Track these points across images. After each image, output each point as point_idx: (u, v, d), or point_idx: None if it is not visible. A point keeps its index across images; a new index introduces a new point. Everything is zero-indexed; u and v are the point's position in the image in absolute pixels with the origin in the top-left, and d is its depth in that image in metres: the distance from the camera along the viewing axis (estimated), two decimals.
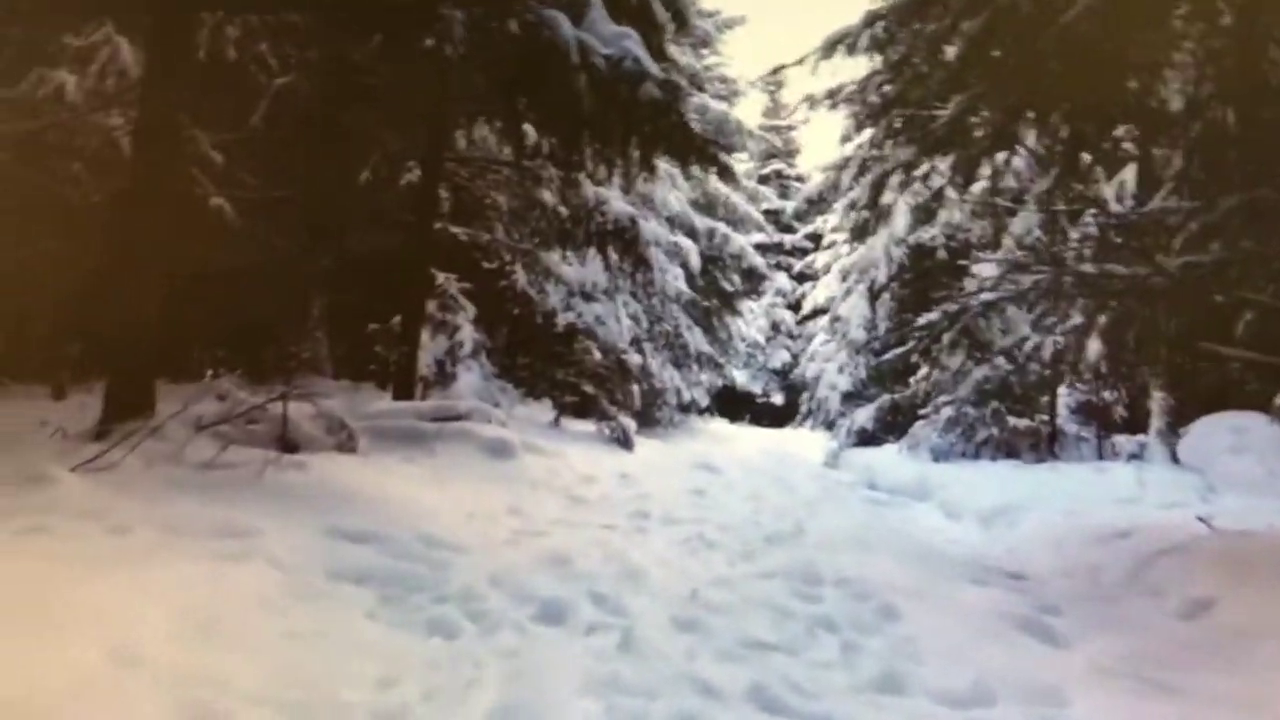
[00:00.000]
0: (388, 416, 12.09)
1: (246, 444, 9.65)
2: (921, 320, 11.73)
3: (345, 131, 12.62)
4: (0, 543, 5.38)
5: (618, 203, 14.08)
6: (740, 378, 40.78)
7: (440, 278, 15.35)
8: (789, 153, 49.30)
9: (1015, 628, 6.62)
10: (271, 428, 10.59)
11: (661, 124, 10.98)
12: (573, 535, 9.02)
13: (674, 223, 24.79)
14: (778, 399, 44.51)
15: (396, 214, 13.51)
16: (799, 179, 48.65)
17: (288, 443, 10.54)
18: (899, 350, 16.96)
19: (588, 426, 17.28)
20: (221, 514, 7.00)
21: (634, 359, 17.34)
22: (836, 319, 27.89)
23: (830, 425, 25.37)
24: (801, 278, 45.58)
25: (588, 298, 17.05)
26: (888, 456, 18.14)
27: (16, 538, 5.54)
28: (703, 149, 11.88)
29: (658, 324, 24.12)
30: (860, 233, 25.95)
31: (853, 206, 26.04)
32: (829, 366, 25.86)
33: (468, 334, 15.61)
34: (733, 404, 40.63)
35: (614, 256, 15.12)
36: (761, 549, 9.02)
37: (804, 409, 28.58)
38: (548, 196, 14.04)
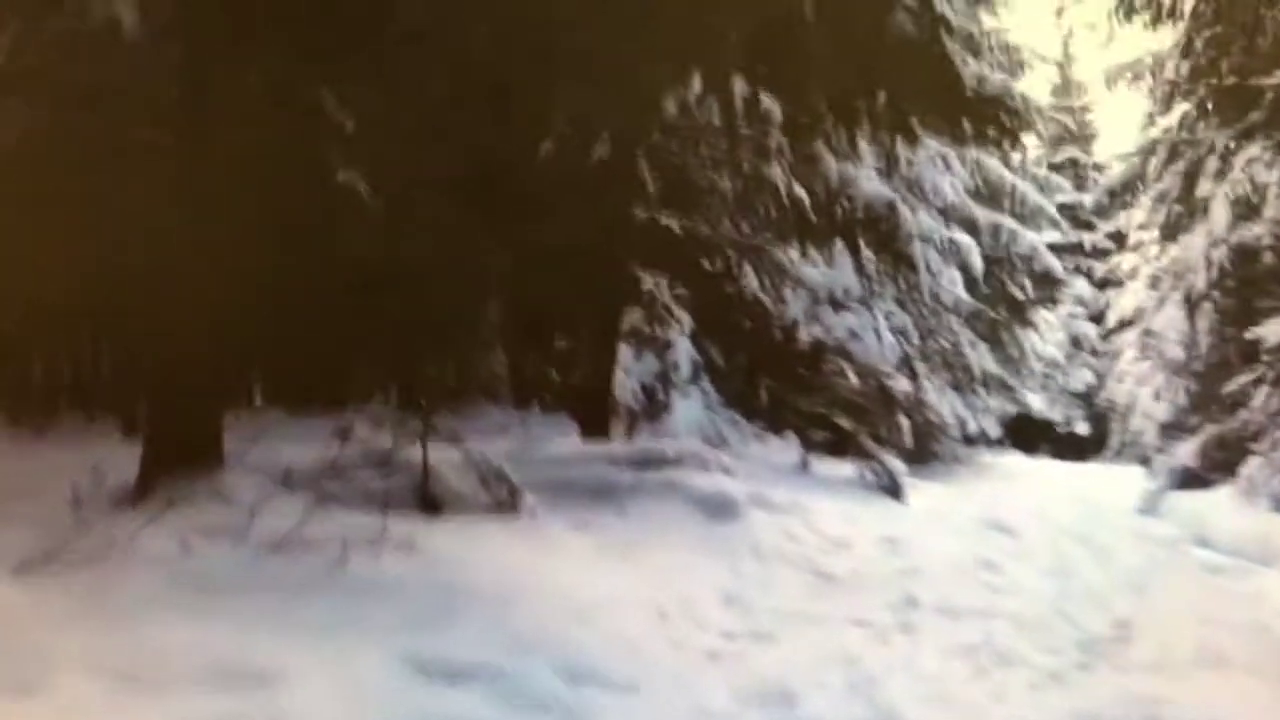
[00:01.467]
0: (569, 464, 9.83)
1: (359, 506, 7.50)
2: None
3: (518, 88, 10.45)
4: None
5: (869, 184, 11.31)
6: (1036, 402, 36.95)
7: (647, 280, 13.03)
8: (1084, 137, 45.02)
9: None
10: (407, 480, 8.52)
11: (917, 70, 8.49)
12: (806, 642, 6.69)
13: (948, 215, 21.84)
14: (1081, 427, 40.39)
15: (586, 198, 11.24)
16: (1097, 167, 44.34)
17: (429, 501, 8.45)
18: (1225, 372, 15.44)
19: (844, 469, 14.60)
20: (235, 642, 4.87)
21: (900, 384, 14.52)
22: (1149, 333, 24.40)
23: (1145, 461, 21.71)
24: (1104, 284, 41.25)
25: (838, 307, 14.36)
26: (1217, 503, 15.85)
27: None
28: (977, 109, 9.39)
29: (931, 339, 21.19)
30: (1172, 231, 22.61)
31: (1162, 199, 22.66)
32: (1143, 391, 22.20)
33: (684, 352, 13.25)
34: (1028, 434, 36.88)
35: (867, 253, 12.43)
36: (1075, 665, 6.90)
37: (1115, 441, 24.77)
38: (777, 175, 11.49)
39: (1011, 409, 29.91)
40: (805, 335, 14.00)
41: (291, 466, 7.78)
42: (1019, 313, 26.23)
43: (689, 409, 13.38)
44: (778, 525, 9.70)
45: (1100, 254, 41.60)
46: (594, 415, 11.02)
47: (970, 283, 22.68)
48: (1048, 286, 27.12)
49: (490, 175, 11.32)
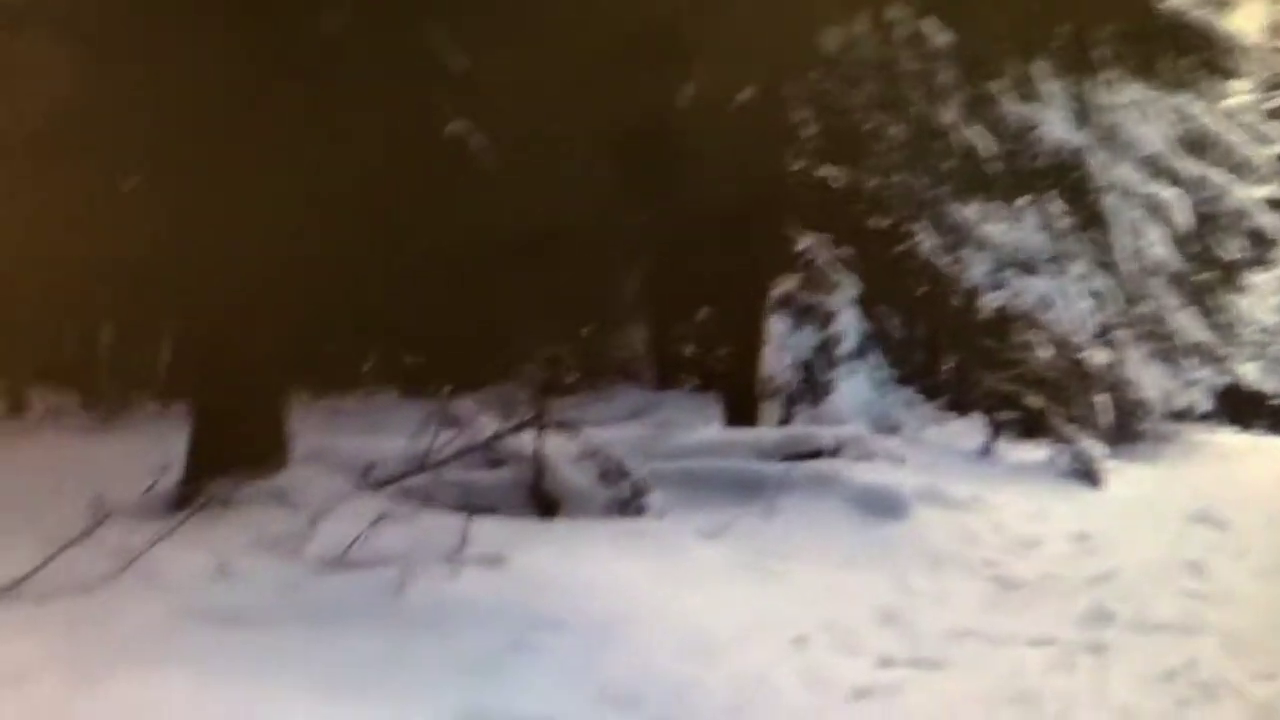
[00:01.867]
0: (707, 454, 8.67)
1: (452, 508, 6.47)
2: None
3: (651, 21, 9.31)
4: None
5: (1054, 129, 9.67)
6: (1250, 372, 34.15)
7: (804, 240, 11.74)
8: None
9: None
10: (515, 475, 7.51)
11: None
12: (980, 671, 5.45)
13: (1151, 167, 19.77)
14: None
15: (733, 148, 9.99)
16: None
17: (542, 500, 7.44)
18: None
19: (1035, 453, 13.07)
20: (244, 698, 3.79)
21: (1098, 356, 12.84)
22: None
23: None
24: None
25: (1026, 269, 12.71)
26: None
27: None
28: (1174, 32, 7.94)
29: (1133, 305, 19.23)
30: None
31: None
32: None
33: (849, 322, 11.94)
34: (1242, 407, 34.08)
35: (1053, 208, 10.83)
36: None
37: None
38: (948, 117, 9.99)
39: (1223, 380, 27.39)
40: (989, 302, 12.47)
41: (376, 460, 6.80)
42: (1229, 275, 23.91)
43: (855, 388, 12.05)
44: (952, 523, 8.35)
45: None
46: (741, 397, 9.79)
47: (1176, 242, 20.60)
48: (1261, 246, 24.69)
49: (624, 125, 10.19)
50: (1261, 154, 26.29)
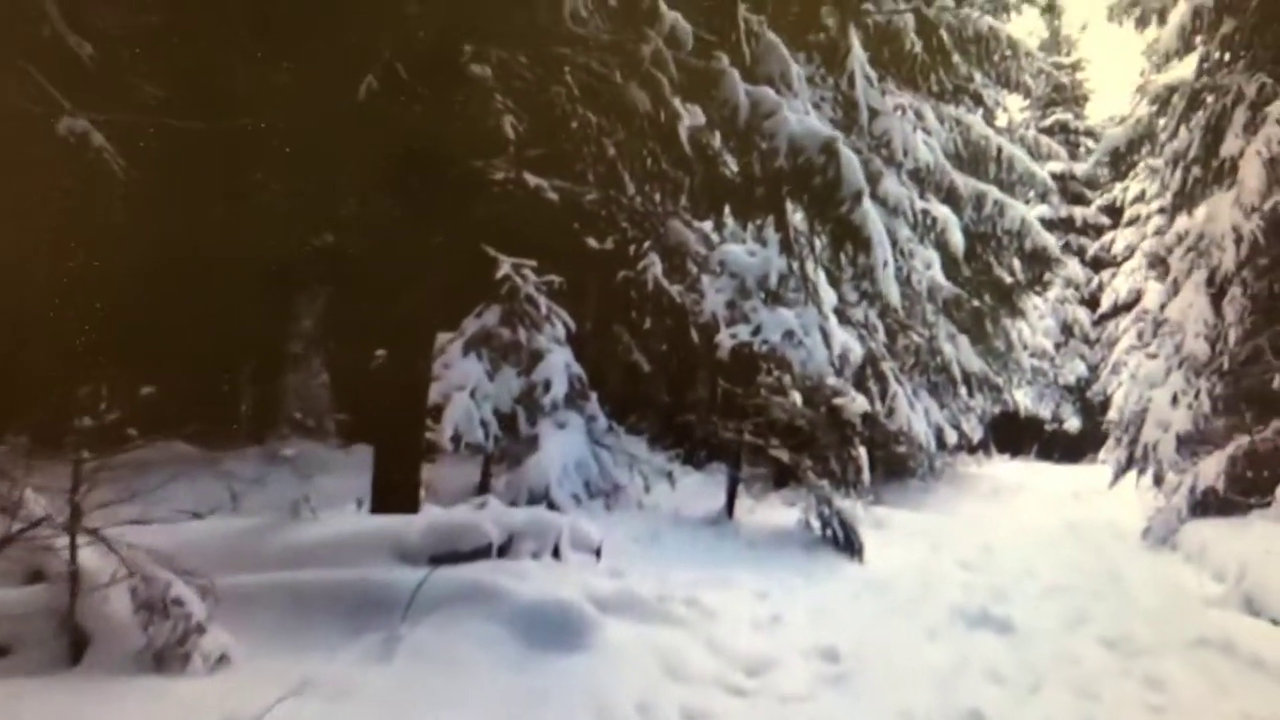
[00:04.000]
0: (326, 557, 6.50)
1: None
2: None
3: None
4: None
5: (793, 115, 7.75)
6: (1023, 398, 33.83)
7: (504, 265, 9.74)
8: (1075, 99, 41.60)
9: None
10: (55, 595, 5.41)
11: None
12: None
13: (922, 182, 18.50)
14: (1072, 424, 37.29)
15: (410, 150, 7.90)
16: (1089, 134, 41.15)
17: (77, 637, 5.39)
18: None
19: (783, 515, 11.35)
20: None
21: (855, 404, 11.14)
22: (1161, 325, 21.12)
23: (1158, 479, 18.32)
24: (1097, 264, 38.15)
25: (773, 299, 10.91)
26: (1259, 544, 11.83)
27: None
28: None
29: (902, 335, 17.85)
30: (1188, 199, 19.23)
31: (1175, 162, 19.36)
32: (1158, 395, 18.76)
33: (558, 365, 9.97)
34: (1014, 433, 33.77)
35: (797, 221, 9.00)
36: None
37: (1120, 454, 21.29)
38: (660, 100, 8.01)
39: (996, 407, 26.64)
40: (727, 338, 10.64)
41: None
42: (1007, 299, 22.95)
43: (567, 443, 10.10)
44: (653, 648, 6.40)
45: (1093, 230, 38.53)
46: (396, 467, 7.64)
47: (948, 264, 19.43)
48: (1040, 267, 23.91)
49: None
50: (1040, 171, 25.50)
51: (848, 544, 10.69)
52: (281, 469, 10.04)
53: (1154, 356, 19.87)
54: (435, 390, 9.49)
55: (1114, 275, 36.59)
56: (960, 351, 20.04)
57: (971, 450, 26.93)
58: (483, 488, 9.95)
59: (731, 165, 8.70)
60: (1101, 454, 34.35)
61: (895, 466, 19.65)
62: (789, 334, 10.56)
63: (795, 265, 10.12)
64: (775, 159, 7.50)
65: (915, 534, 13.48)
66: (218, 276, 9.50)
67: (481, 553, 6.74)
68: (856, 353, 13.28)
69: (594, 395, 10.61)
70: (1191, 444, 17.05)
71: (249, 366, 11.54)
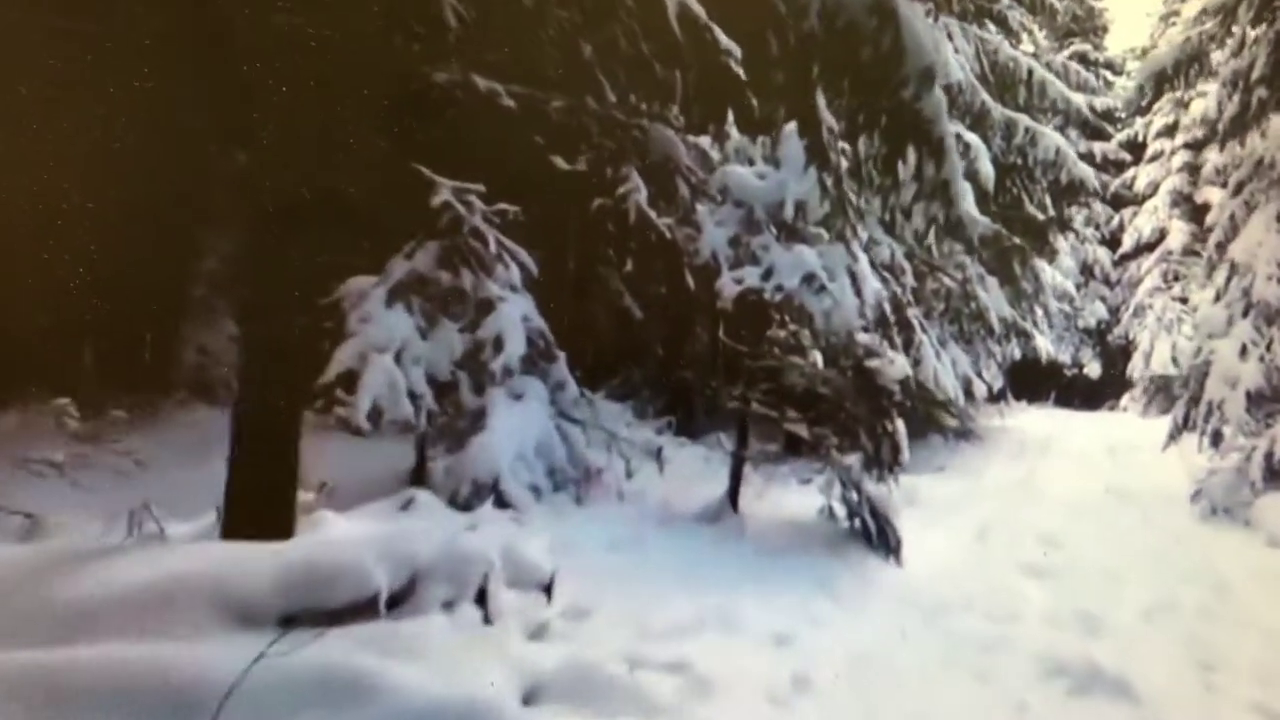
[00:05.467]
0: (113, 615, 4.17)
1: None
2: None
3: None
4: None
5: None
6: (1043, 344, 31.50)
7: (442, 190, 7.36)
8: (1094, 29, 38.85)
9: None
10: None
11: None
12: None
13: (952, 103, 16.03)
14: (1093, 369, 35.11)
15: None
16: (1108, 65, 38.60)
17: None
18: None
19: (802, 498, 9.00)
20: None
21: (893, 366, 8.63)
22: (1230, 267, 18.83)
23: (1216, 439, 15.88)
24: (1118, 202, 35.82)
25: (789, 234, 8.35)
26: None
27: None
28: None
29: (931, 278, 15.44)
30: (1251, 123, 16.89)
31: (1237, 83, 17.02)
32: (1223, 346, 16.35)
33: (512, 317, 7.60)
34: (1033, 379, 31.38)
35: (830, 118, 6.55)
36: None
37: (1181, 412, 18.89)
38: None
39: (1016, 353, 24.33)
40: (731, 283, 8.19)
41: None
42: (1039, 236, 20.46)
43: (524, 418, 7.72)
44: None
45: (1113, 166, 36.03)
46: (259, 465, 5.26)
47: (980, 198, 17.01)
48: (1073, 199, 21.59)
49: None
50: (1076, 97, 23.04)
51: (881, 540, 8.37)
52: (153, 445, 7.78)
53: (1218, 301, 17.39)
54: (348, 351, 7.14)
55: (1136, 214, 34.78)
56: (992, 295, 17.64)
57: (994, 400, 24.66)
58: (416, 479, 7.61)
59: (736, 53, 6.27)
60: (1124, 400, 32.67)
61: (916, 425, 17.36)
62: (809, 278, 8.12)
63: (830, 181, 7.73)
64: (805, 18, 5.07)
65: (950, 510, 11.25)
66: (97, 199, 7.23)
67: (362, 608, 4.40)
68: (882, 296, 10.90)
69: (563, 356, 8.24)
70: (1264, 402, 14.74)
71: (138, 313, 9.22)
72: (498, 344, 7.56)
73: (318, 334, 7.46)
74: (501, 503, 7.21)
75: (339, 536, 5.10)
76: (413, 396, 7.18)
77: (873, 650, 5.78)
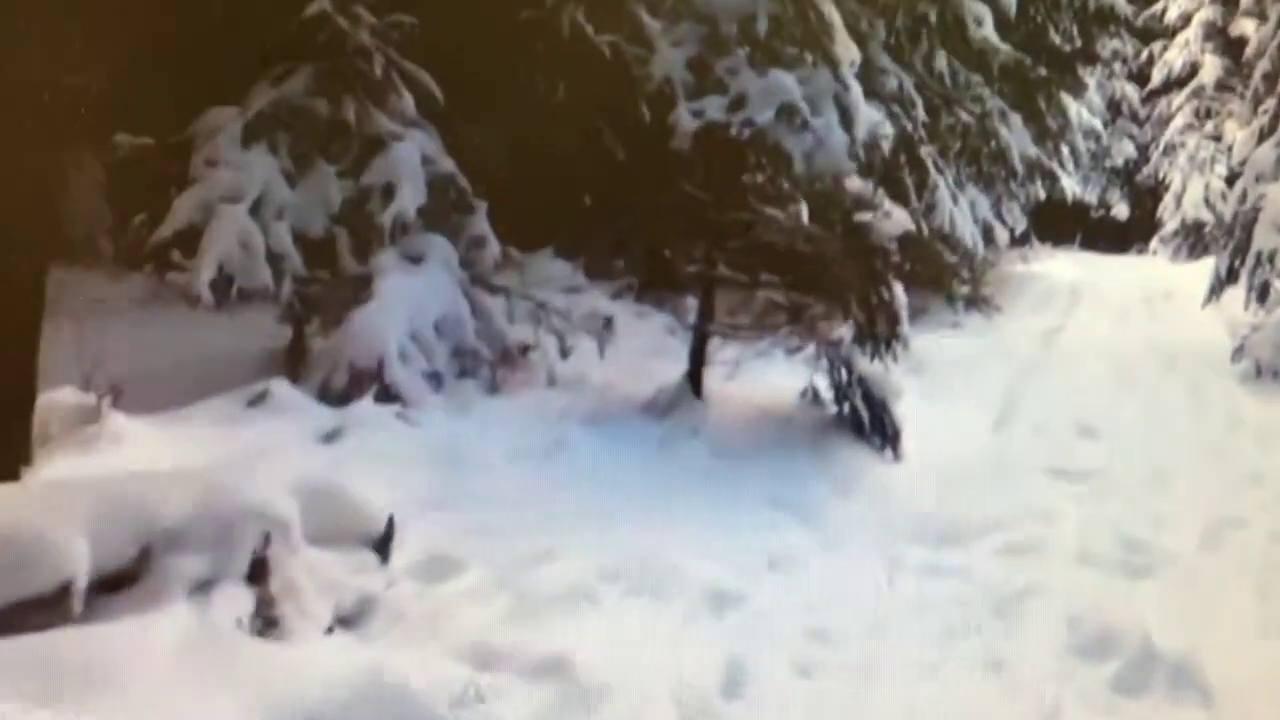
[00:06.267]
0: None
1: None
2: None
3: None
4: None
5: None
6: (1069, 184, 29.79)
7: None
8: None
9: None
10: None
11: None
12: None
13: None
14: (1120, 209, 33.57)
15: None
16: None
17: None
18: None
19: (784, 376, 7.45)
20: None
21: (890, 220, 6.87)
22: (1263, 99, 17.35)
23: (1263, 293, 14.13)
24: (1146, 35, 33.75)
25: (764, 55, 6.50)
26: None
27: None
28: None
29: (946, 113, 13.66)
30: None
31: None
32: (1273, 192, 14.52)
33: (408, 160, 5.99)
34: (1057, 221, 29.64)
35: None
36: None
37: (1224, 263, 17.15)
38: None
39: (1041, 194, 22.61)
40: (689, 117, 6.44)
41: None
42: (1065, 68, 18.52)
43: (422, 288, 6.11)
44: None
45: None
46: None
47: (999, 24, 15.10)
48: (1102, 30, 19.63)
49: None
50: None
51: (876, 429, 6.86)
52: None
53: (1261, 138, 15.54)
54: (188, 202, 5.54)
55: (1166, 47, 32.73)
56: (1014, 133, 15.85)
57: (1014, 243, 23.06)
58: (291, 365, 6.04)
59: None
60: (1153, 244, 31.16)
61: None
62: (787, 110, 6.39)
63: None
64: None
65: (966, 378, 9.78)
66: None
67: (49, 603, 2.86)
68: (888, 135, 9.17)
69: (483, 207, 6.60)
70: None
71: None
72: (388, 192, 5.93)
73: (165, 180, 5.87)
74: (387, 395, 5.67)
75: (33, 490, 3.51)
76: (274, 259, 5.59)
77: (849, 617, 4.24)
